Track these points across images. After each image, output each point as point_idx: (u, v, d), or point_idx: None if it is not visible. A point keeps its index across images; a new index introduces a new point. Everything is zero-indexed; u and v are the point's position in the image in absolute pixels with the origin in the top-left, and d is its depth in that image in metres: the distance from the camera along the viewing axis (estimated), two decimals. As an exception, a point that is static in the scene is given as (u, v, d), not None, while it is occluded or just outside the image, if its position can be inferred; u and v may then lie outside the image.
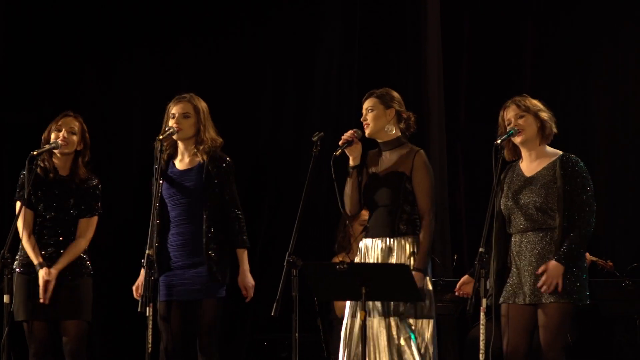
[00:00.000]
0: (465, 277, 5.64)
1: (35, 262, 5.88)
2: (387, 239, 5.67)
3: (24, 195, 5.91)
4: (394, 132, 5.77)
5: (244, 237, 5.84)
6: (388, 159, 5.75)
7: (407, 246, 5.65)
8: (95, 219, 6.08)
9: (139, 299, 5.64)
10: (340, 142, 5.69)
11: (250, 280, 5.82)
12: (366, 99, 5.80)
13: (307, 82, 8.37)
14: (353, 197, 5.74)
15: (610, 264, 7.44)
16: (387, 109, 5.75)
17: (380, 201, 5.70)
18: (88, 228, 6.04)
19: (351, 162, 5.74)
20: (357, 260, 5.76)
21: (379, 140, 5.79)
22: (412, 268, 5.54)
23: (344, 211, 5.82)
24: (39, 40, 7.92)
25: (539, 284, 5.29)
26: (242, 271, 5.82)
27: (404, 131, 5.80)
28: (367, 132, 5.75)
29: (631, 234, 8.11)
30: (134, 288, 5.87)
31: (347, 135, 5.70)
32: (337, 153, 5.66)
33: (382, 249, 5.66)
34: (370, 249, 5.70)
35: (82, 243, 6.02)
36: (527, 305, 5.40)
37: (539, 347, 5.39)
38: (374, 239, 5.70)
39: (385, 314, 5.60)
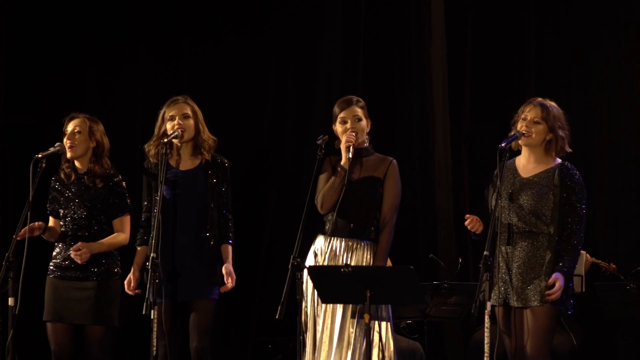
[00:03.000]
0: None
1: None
2: (356, 241, 5.70)
3: (53, 208, 6.05)
4: (366, 141, 5.84)
5: (231, 234, 5.88)
6: (363, 165, 5.78)
7: (368, 251, 5.70)
8: (127, 217, 6.10)
9: (131, 292, 5.82)
10: (345, 145, 5.68)
11: (232, 271, 5.83)
12: (349, 107, 5.79)
13: (309, 85, 8.36)
14: (335, 199, 5.72)
15: (614, 266, 7.43)
16: (368, 119, 5.84)
17: (355, 204, 5.70)
18: (123, 226, 6.08)
19: (344, 164, 5.71)
20: (320, 260, 5.72)
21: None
22: None
23: (322, 210, 5.75)
24: (41, 43, 7.91)
25: (547, 296, 5.28)
26: (227, 261, 5.84)
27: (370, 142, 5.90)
28: (355, 142, 5.74)
29: (635, 238, 8.09)
30: (125, 282, 5.90)
31: (352, 138, 5.70)
32: (351, 156, 5.65)
33: (349, 250, 5.69)
34: (341, 250, 5.71)
35: (121, 236, 6.06)
36: (519, 308, 5.40)
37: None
38: (342, 239, 5.71)
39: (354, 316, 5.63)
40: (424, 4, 8.42)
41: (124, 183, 6.14)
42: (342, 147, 5.70)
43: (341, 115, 5.78)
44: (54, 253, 6.07)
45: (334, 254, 5.71)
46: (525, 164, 5.52)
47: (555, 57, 8.47)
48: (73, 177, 6.06)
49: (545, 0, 8.55)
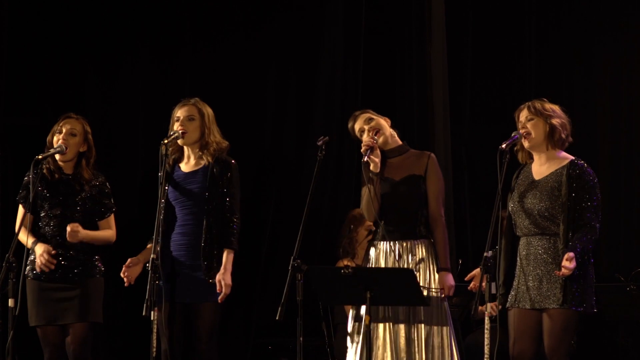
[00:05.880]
0: (477, 270, 5.61)
1: (30, 241, 5.91)
2: (406, 242, 5.69)
3: (25, 196, 5.99)
4: (397, 139, 5.83)
5: (233, 239, 5.78)
6: (400, 164, 5.78)
7: (423, 249, 5.68)
8: (112, 217, 6.17)
9: (123, 276, 5.78)
10: (362, 150, 5.68)
11: (228, 279, 5.74)
12: (356, 120, 5.83)
13: (310, 86, 8.37)
14: (375, 205, 5.72)
15: None
16: (384, 118, 5.86)
17: (400, 206, 5.71)
18: (110, 224, 6.16)
19: (373, 169, 5.73)
20: (370, 265, 5.73)
21: (386, 148, 5.81)
22: (441, 268, 5.62)
23: (368, 219, 5.83)
24: (42, 44, 7.91)
25: (561, 273, 5.24)
26: (224, 269, 5.74)
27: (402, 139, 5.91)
28: (381, 140, 5.76)
29: (635, 239, 8.10)
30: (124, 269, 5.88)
31: (368, 141, 5.71)
32: (365, 159, 5.66)
33: (400, 251, 5.68)
34: (389, 253, 5.70)
35: (109, 232, 6.13)
36: (532, 310, 5.40)
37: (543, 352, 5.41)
38: (392, 242, 5.70)
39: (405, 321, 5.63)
40: (424, 5, 8.42)
41: (107, 183, 6.18)
42: (364, 155, 5.69)
43: (356, 127, 5.83)
44: (32, 258, 5.99)
45: (390, 258, 5.71)
46: (538, 167, 5.54)
47: (555, 57, 8.47)
48: (57, 176, 6.06)
49: (545, 0, 8.55)
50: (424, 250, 5.68)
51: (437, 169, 5.77)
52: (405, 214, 5.70)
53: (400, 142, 5.85)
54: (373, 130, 5.76)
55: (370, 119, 5.80)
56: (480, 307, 5.35)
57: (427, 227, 5.71)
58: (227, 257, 5.77)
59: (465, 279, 5.72)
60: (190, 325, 5.80)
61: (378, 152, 5.73)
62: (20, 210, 6.07)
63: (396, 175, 5.76)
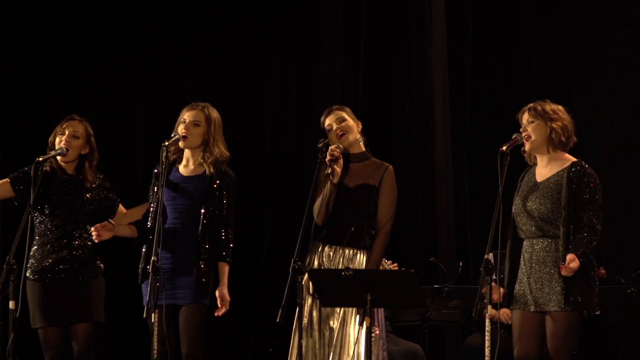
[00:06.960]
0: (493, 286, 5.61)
1: None
2: (352, 250, 5.73)
3: (17, 178, 6.02)
4: (362, 144, 5.85)
5: (229, 252, 5.79)
6: (358, 171, 5.80)
7: (363, 259, 5.74)
8: (120, 207, 6.21)
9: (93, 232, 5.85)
10: (327, 159, 5.70)
11: (227, 294, 5.77)
12: (329, 114, 5.87)
13: (310, 88, 8.36)
14: (326, 210, 5.76)
15: (603, 271, 7.32)
16: (356, 121, 5.90)
17: (349, 212, 5.74)
18: (123, 211, 6.20)
19: (334, 179, 5.75)
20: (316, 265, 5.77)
21: (350, 152, 5.84)
22: None
23: (314, 221, 5.80)
24: (43, 46, 7.91)
25: (563, 272, 5.26)
26: (221, 284, 5.77)
27: (366, 146, 5.93)
28: (344, 142, 5.79)
29: (635, 240, 8.09)
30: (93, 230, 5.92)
31: (334, 151, 5.73)
32: (329, 171, 5.68)
33: (346, 258, 5.70)
34: (334, 257, 5.73)
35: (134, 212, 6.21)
36: (535, 312, 5.41)
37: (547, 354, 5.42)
38: (337, 247, 5.75)
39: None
40: (424, 5, 8.42)
41: (106, 179, 6.21)
42: (328, 161, 5.72)
43: (326, 122, 5.86)
44: (34, 259, 5.98)
45: (330, 262, 5.73)
46: (541, 169, 5.55)
47: (555, 57, 8.46)
48: (58, 176, 6.04)
49: (545, 0, 8.55)
50: (364, 260, 5.72)
51: (392, 181, 5.80)
52: (353, 222, 5.73)
53: (363, 149, 5.89)
54: (340, 130, 5.79)
55: (342, 120, 5.82)
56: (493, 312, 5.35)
57: (373, 239, 5.75)
58: (223, 272, 5.78)
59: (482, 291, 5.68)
60: (176, 326, 5.80)
61: (341, 162, 5.78)
62: (4, 181, 6.07)
63: (351, 182, 5.79)
